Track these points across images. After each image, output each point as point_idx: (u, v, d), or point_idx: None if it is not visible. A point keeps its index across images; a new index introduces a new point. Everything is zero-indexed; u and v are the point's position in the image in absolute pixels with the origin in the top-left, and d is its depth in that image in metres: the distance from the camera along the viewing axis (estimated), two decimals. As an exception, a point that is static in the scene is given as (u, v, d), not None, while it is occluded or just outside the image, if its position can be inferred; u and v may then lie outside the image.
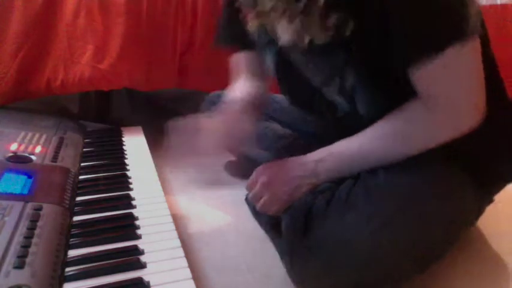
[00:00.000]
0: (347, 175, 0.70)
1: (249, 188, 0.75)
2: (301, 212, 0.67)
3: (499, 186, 0.81)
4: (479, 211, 0.84)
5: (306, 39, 0.63)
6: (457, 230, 0.69)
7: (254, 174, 0.75)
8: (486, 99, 0.66)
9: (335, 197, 0.67)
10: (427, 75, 0.60)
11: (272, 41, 0.71)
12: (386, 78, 0.65)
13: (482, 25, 0.67)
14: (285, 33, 0.65)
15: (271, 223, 0.79)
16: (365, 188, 0.65)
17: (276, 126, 0.93)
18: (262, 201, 0.72)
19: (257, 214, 0.91)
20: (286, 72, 0.78)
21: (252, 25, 0.70)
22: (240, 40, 0.83)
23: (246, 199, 0.97)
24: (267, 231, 0.85)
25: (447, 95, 0.62)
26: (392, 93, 0.66)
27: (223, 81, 1.15)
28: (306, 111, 0.87)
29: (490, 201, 0.83)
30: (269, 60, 0.79)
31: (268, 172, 0.73)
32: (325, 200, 0.67)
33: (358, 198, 0.64)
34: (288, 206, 0.70)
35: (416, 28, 0.58)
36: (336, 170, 0.70)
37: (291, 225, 0.67)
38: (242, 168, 1.12)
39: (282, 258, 0.76)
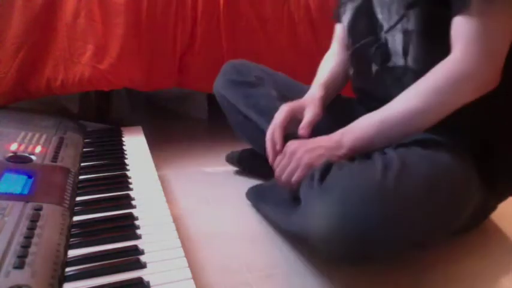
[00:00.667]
0: (374, 147, 0.70)
1: (277, 164, 0.76)
2: (322, 166, 0.66)
3: (506, 194, 0.82)
4: (484, 215, 0.85)
5: None
6: (456, 209, 0.70)
7: (284, 149, 0.76)
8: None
9: (353, 163, 0.67)
10: (471, 19, 0.65)
11: None
12: (443, 31, 0.68)
13: None
14: None
15: (286, 197, 0.78)
16: (380, 158, 0.66)
17: None
18: (287, 170, 0.73)
19: (260, 200, 0.91)
20: (359, 21, 0.85)
21: None
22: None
23: (247, 194, 0.98)
24: (275, 211, 0.84)
25: (488, 40, 0.65)
26: (444, 51, 0.68)
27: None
28: (357, 62, 0.90)
29: (494, 208, 0.84)
30: (349, 12, 0.87)
31: (297, 143, 0.74)
32: (343, 162, 0.68)
33: (373, 161, 0.65)
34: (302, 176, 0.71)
35: None
36: (361, 140, 0.71)
37: (310, 177, 0.67)
38: (243, 159, 1.13)
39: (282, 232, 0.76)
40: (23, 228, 0.61)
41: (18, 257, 0.54)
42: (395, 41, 0.77)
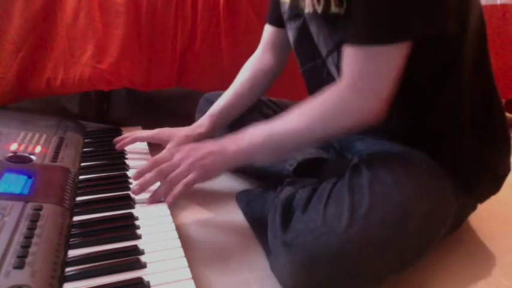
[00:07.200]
0: (258, 160, 0.73)
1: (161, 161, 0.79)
2: (282, 207, 0.67)
3: (484, 195, 0.81)
4: (462, 218, 0.84)
5: (319, 9, 0.72)
6: (433, 233, 0.69)
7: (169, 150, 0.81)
8: (483, 113, 0.71)
9: (317, 192, 0.67)
10: (357, 56, 0.66)
11: (298, 14, 0.82)
12: None
13: (481, 29, 0.69)
14: (306, 4, 0.75)
15: (260, 221, 0.79)
16: (348, 185, 0.65)
17: None
18: (176, 172, 0.75)
19: (248, 212, 0.91)
20: (303, 42, 0.85)
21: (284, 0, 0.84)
22: (277, 20, 0.95)
23: (237, 198, 0.98)
24: (255, 228, 0.85)
25: (372, 78, 0.66)
26: None
27: (223, 81, 1.16)
28: (309, 82, 0.92)
29: (474, 208, 0.83)
30: (292, 32, 0.87)
31: (187, 148, 0.78)
32: (306, 195, 0.67)
33: (340, 195, 0.64)
34: (195, 179, 0.75)
35: (371, 13, 0.63)
36: (244, 151, 0.73)
37: (272, 220, 0.67)
38: None
39: (265, 254, 0.76)
40: (23, 228, 0.61)
41: (18, 257, 0.55)
42: (333, 71, 0.78)
